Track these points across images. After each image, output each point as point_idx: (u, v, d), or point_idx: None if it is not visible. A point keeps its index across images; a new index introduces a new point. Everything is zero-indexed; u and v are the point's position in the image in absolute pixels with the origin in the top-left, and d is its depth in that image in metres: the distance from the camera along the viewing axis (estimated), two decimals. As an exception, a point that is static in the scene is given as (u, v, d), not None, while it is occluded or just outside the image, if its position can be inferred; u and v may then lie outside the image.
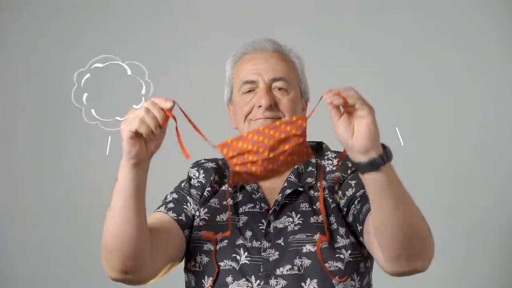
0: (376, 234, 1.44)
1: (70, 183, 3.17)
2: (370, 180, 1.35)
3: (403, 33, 3.12)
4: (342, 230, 1.65)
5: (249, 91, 1.72)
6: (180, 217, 1.72)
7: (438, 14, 3.12)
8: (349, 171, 1.72)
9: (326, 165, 1.75)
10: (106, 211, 1.53)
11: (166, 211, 1.72)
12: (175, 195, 1.77)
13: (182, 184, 1.81)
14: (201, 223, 1.71)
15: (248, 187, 1.74)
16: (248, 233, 1.68)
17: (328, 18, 3.15)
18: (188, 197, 1.76)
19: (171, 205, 1.74)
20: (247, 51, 1.78)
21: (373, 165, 1.34)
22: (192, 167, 1.82)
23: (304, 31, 3.13)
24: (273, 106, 1.69)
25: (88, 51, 3.20)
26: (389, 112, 3.13)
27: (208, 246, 1.68)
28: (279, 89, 1.71)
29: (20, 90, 3.21)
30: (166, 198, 1.79)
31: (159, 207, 1.76)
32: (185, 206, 1.74)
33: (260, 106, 1.69)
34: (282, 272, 1.61)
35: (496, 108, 3.09)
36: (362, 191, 1.66)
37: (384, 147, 1.37)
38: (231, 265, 1.64)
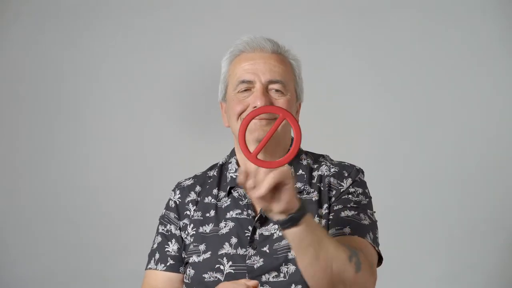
0: (305, 276, 1.52)
1: (70, 184, 3.17)
2: (290, 234, 1.44)
3: (404, 34, 3.12)
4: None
5: (245, 90, 1.70)
6: (168, 264, 1.76)
7: (439, 15, 3.11)
8: (345, 182, 1.72)
9: (325, 171, 1.74)
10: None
11: (155, 266, 1.77)
12: (159, 238, 1.80)
13: (163, 212, 1.82)
14: (191, 239, 1.72)
15: (235, 193, 1.73)
16: (234, 240, 1.67)
17: (326, 18, 3.14)
18: (170, 229, 1.78)
19: (157, 256, 1.78)
20: (245, 49, 1.74)
21: (293, 221, 1.42)
22: (172, 190, 1.84)
23: (303, 31, 3.12)
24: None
25: (87, 51, 3.19)
26: (392, 110, 3.12)
27: (193, 259, 1.69)
28: (276, 91, 1.70)
29: (21, 90, 3.20)
30: (153, 242, 1.82)
31: (149, 261, 1.80)
32: (167, 249, 1.77)
33: (255, 107, 1.66)
34: (268, 278, 1.62)
35: (497, 105, 3.09)
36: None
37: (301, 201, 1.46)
38: (216, 277, 1.64)
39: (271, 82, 1.68)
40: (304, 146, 1.84)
